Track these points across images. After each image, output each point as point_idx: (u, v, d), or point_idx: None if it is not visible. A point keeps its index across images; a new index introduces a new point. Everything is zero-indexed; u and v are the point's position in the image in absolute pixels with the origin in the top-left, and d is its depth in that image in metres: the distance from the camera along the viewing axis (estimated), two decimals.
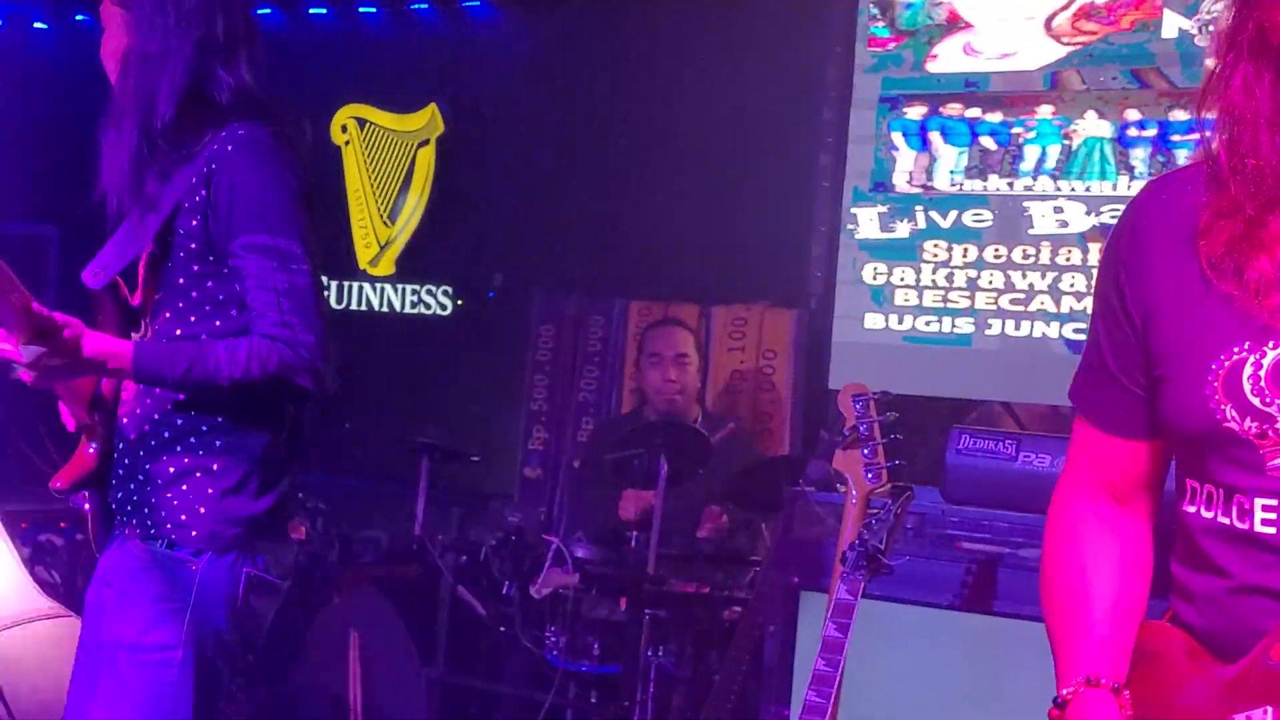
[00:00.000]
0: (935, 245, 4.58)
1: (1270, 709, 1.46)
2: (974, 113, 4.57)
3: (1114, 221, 1.69)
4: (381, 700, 4.89)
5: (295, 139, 2.65)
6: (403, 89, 6.28)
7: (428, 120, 6.28)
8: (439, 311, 6.29)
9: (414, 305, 6.36)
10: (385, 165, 6.40)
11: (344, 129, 6.44)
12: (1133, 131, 4.29)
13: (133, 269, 2.60)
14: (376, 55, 6.35)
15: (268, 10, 6.41)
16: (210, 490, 2.53)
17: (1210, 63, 1.55)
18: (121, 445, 2.61)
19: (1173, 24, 4.12)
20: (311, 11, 6.49)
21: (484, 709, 5.00)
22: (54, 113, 6.13)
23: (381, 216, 6.41)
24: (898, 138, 4.69)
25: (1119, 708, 1.59)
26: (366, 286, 6.43)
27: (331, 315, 5.94)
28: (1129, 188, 4.23)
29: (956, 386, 4.60)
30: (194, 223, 2.48)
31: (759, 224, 5.24)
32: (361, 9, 6.38)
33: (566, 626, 4.70)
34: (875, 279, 4.71)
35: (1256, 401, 1.48)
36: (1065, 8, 4.40)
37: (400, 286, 6.37)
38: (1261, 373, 1.48)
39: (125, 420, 2.61)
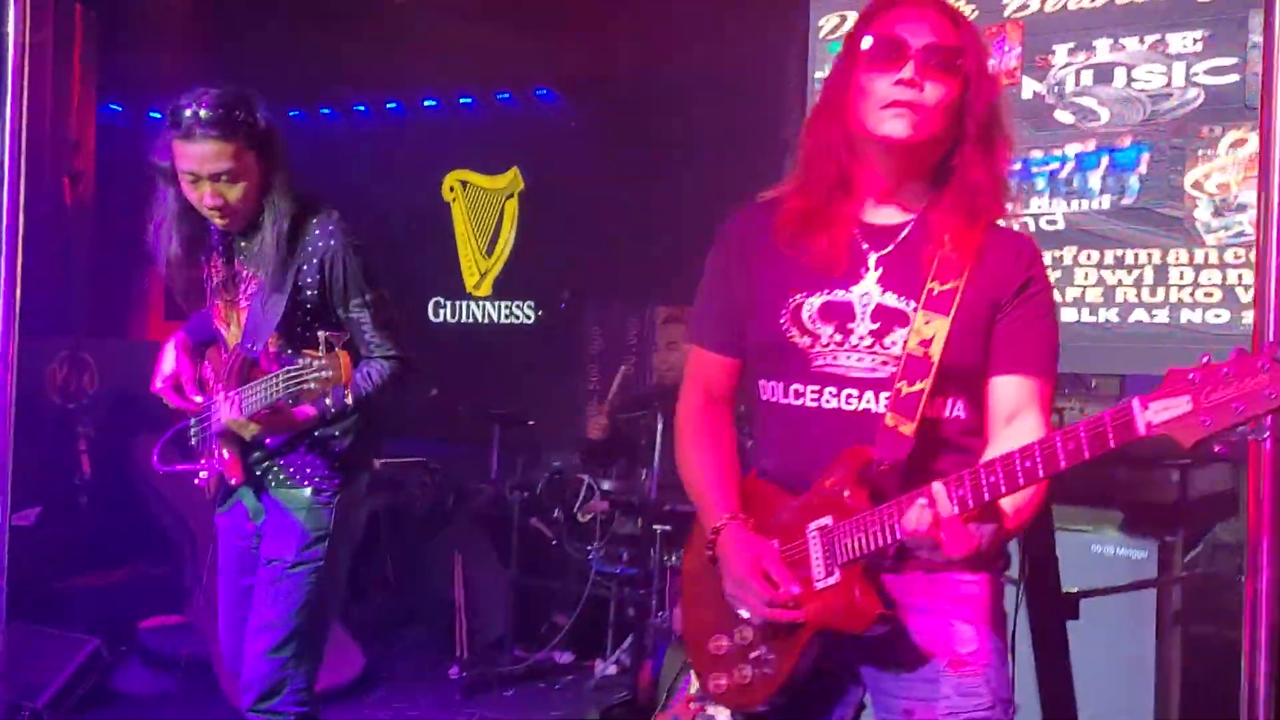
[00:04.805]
0: None
1: (831, 517, 1.86)
2: None
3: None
4: (476, 597, 5.75)
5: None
6: (492, 157, 7.08)
7: (511, 179, 7.09)
8: (525, 321, 7.09)
9: (507, 317, 7.13)
10: (482, 214, 7.15)
11: (451, 189, 7.24)
12: None
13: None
14: (473, 133, 7.09)
15: (394, 105, 7.33)
16: (337, 449, 3.09)
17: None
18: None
19: (1028, 88, 4.49)
20: (425, 103, 7.29)
21: (547, 601, 5.80)
22: None
23: (481, 252, 7.17)
24: None
25: (748, 526, 2.02)
26: (472, 304, 7.23)
27: (448, 327, 7.25)
28: None
29: None
30: (311, 294, 2.98)
31: None
32: (461, 99, 7.15)
33: (602, 540, 5.52)
34: None
35: (810, 325, 1.97)
36: None
37: (496, 303, 7.17)
38: (814, 309, 1.98)
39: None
